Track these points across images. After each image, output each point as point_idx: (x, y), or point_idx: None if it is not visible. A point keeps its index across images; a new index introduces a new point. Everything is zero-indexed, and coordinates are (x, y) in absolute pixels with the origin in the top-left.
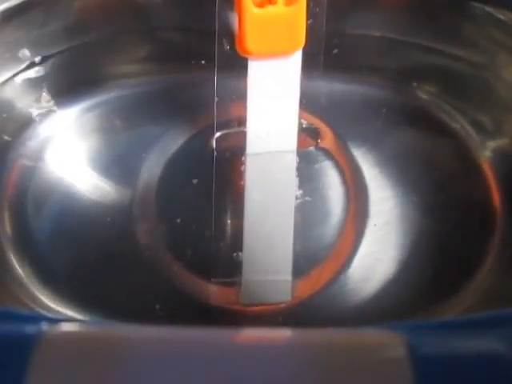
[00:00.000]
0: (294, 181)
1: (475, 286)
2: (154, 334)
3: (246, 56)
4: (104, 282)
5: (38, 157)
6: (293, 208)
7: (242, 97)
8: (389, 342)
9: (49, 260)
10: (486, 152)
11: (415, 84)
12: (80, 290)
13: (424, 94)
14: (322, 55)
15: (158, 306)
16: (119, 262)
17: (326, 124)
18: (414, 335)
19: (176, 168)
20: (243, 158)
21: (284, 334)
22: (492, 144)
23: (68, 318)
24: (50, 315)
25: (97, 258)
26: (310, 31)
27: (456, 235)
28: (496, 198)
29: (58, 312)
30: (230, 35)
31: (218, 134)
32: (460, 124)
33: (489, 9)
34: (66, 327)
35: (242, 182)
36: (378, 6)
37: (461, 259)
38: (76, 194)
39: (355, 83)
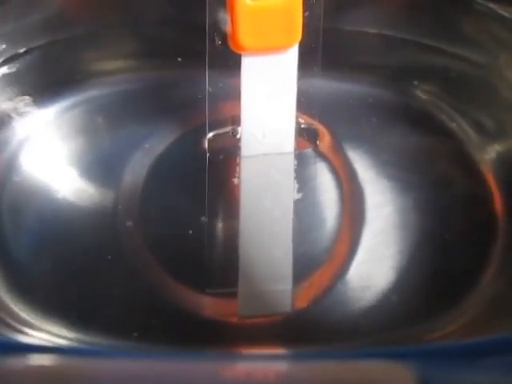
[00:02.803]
0: (292, 184)
1: (478, 295)
2: (127, 370)
3: (239, 52)
4: (85, 294)
5: (14, 159)
6: (291, 213)
7: (235, 95)
8: (399, 378)
9: (25, 269)
10: (487, 155)
11: (415, 83)
12: (58, 302)
13: (423, 94)
14: (321, 50)
15: (145, 321)
16: (101, 272)
17: (321, 124)
18: (424, 368)
19: (164, 171)
20: (238, 161)
21: (281, 367)
22: (494, 147)
23: (30, 345)
24: (6, 340)
25: (77, 268)
26: (307, 24)
27: (457, 242)
28: (498, 203)
29: (33, 325)
30: (221, 30)
31: (210, 135)
32: (460, 126)
33: (492, 5)
34: (22, 360)
35: (236, 186)
36: (374, 2)
37: (462, 267)
38: (55, 198)
39: (350, 82)
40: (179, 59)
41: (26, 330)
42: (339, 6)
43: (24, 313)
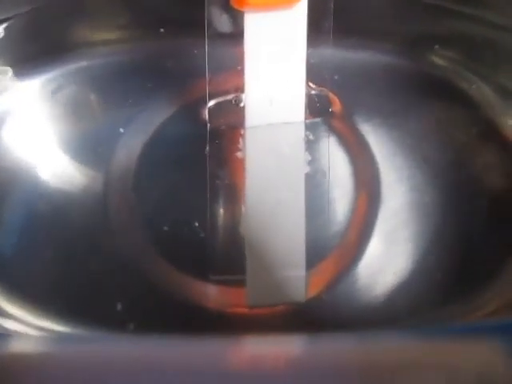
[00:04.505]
0: (303, 157)
1: (504, 284)
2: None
3: (242, 9)
4: (77, 287)
5: None
6: (303, 190)
7: (238, 59)
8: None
9: (10, 260)
10: None
11: (435, 48)
12: (48, 295)
13: (443, 60)
14: (332, 4)
15: (143, 314)
16: (94, 261)
17: (332, 94)
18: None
19: (159, 148)
20: (242, 132)
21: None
22: None
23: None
24: None
25: (67, 258)
26: None
27: (482, 223)
28: None
29: (22, 321)
30: None
31: (211, 104)
32: (484, 94)
33: None
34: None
35: (241, 161)
36: None
37: (488, 251)
38: (40, 182)
39: (363, 49)
40: (161, 30)
41: (11, 323)
42: None
43: (12, 305)
